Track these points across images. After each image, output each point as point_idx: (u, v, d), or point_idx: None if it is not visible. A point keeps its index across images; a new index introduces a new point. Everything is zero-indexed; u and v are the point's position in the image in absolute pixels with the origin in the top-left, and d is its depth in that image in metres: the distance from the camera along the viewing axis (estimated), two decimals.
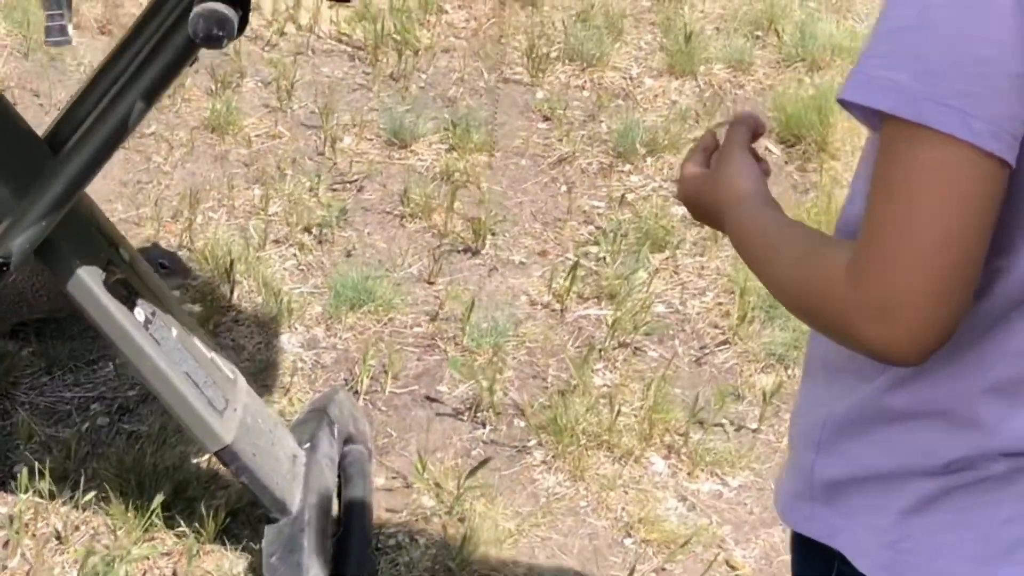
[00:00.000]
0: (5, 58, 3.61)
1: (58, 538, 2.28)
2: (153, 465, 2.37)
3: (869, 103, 1.03)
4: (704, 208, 1.32)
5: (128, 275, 2.06)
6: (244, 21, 1.68)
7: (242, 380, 2.24)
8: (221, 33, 1.64)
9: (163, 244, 2.98)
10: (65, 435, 2.49)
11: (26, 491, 2.29)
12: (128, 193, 3.15)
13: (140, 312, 2.05)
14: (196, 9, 1.63)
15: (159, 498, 2.27)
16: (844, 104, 1.06)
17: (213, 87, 3.57)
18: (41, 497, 2.30)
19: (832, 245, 1.12)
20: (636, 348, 2.88)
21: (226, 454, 2.14)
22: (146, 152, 3.31)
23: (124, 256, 2.08)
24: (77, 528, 2.30)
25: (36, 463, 2.35)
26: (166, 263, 2.67)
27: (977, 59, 0.99)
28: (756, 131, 1.33)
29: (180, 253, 2.95)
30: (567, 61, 3.96)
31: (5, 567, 2.22)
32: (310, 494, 2.24)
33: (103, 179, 3.19)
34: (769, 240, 1.19)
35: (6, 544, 2.26)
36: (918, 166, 1.01)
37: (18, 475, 2.30)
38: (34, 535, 2.29)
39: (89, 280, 1.98)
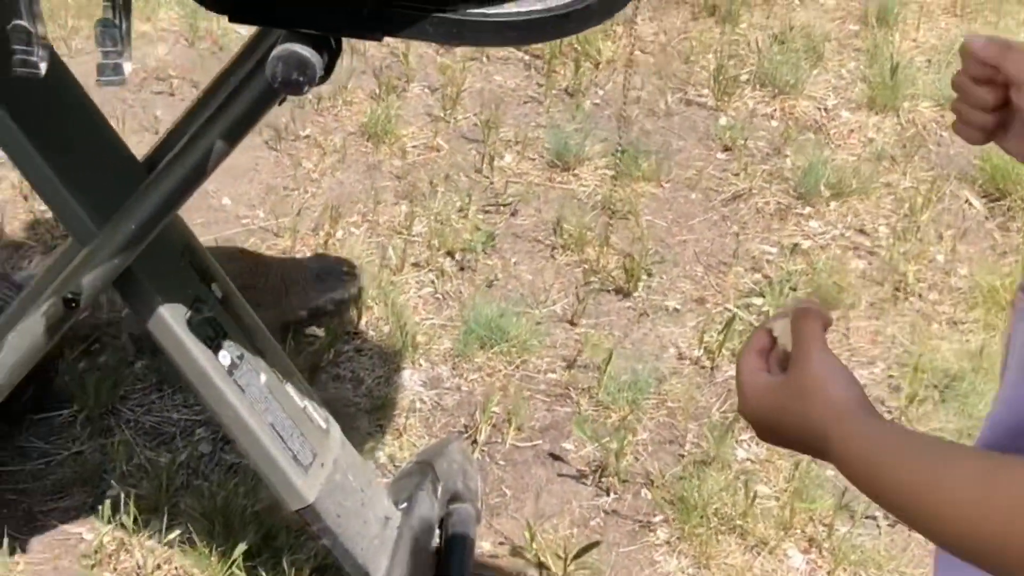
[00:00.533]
0: (171, 45, 3.53)
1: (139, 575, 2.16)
2: (243, 508, 2.22)
3: None
4: (785, 428, 1.02)
5: (217, 314, 1.90)
6: (331, 67, 1.50)
7: (337, 432, 2.07)
8: (302, 79, 1.46)
9: (298, 257, 2.85)
10: (164, 460, 2.37)
11: (108, 522, 2.18)
12: (272, 200, 3.02)
13: (226, 355, 1.89)
14: (275, 51, 1.45)
15: (241, 547, 2.13)
16: None
17: (376, 90, 3.42)
18: (125, 529, 2.19)
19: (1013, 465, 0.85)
20: None
21: (308, 513, 1.97)
22: (297, 156, 3.18)
23: (216, 293, 1.92)
24: (159, 567, 2.18)
25: (131, 490, 2.24)
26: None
27: None
28: (825, 324, 1.05)
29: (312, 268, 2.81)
30: (758, 86, 3.67)
31: None
32: (396, 565, 2.06)
33: (249, 183, 3.08)
34: (915, 467, 0.92)
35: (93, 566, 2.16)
36: None
37: (107, 502, 2.19)
38: (115, 568, 2.18)
39: (171, 319, 1.83)
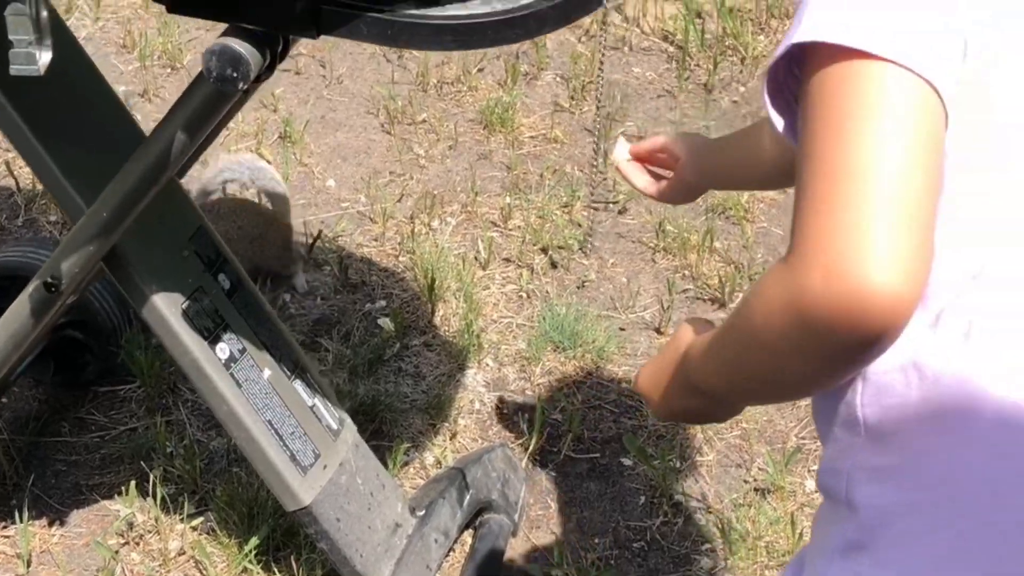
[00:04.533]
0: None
1: (163, 559, 2.16)
2: (266, 500, 2.19)
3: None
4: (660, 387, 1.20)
5: (219, 305, 1.87)
6: (272, 64, 1.44)
7: (350, 433, 2.02)
8: (235, 74, 1.40)
9: (388, 246, 2.81)
10: (214, 444, 2.37)
11: (146, 500, 2.19)
12: (377, 185, 2.98)
13: (224, 348, 1.86)
14: (210, 45, 1.40)
15: (254, 541, 2.11)
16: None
17: (503, 76, 3.34)
18: (162, 508, 2.19)
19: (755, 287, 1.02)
20: None
21: (304, 515, 1.93)
22: (409, 141, 3.14)
23: (222, 283, 1.89)
24: (183, 552, 2.18)
25: (173, 470, 2.25)
26: None
27: None
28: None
29: (401, 260, 2.77)
30: None
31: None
32: (402, 571, 2.00)
33: (357, 166, 3.06)
34: (716, 345, 1.10)
35: (116, 553, 2.16)
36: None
37: (151, 478, 2.20)
38: (144, 550, 2.19)
39: (164, 308, 1.80)
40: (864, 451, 1.03)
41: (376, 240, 2.83)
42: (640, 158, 1.91)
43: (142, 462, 2.31)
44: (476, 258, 2.79)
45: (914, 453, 1.01)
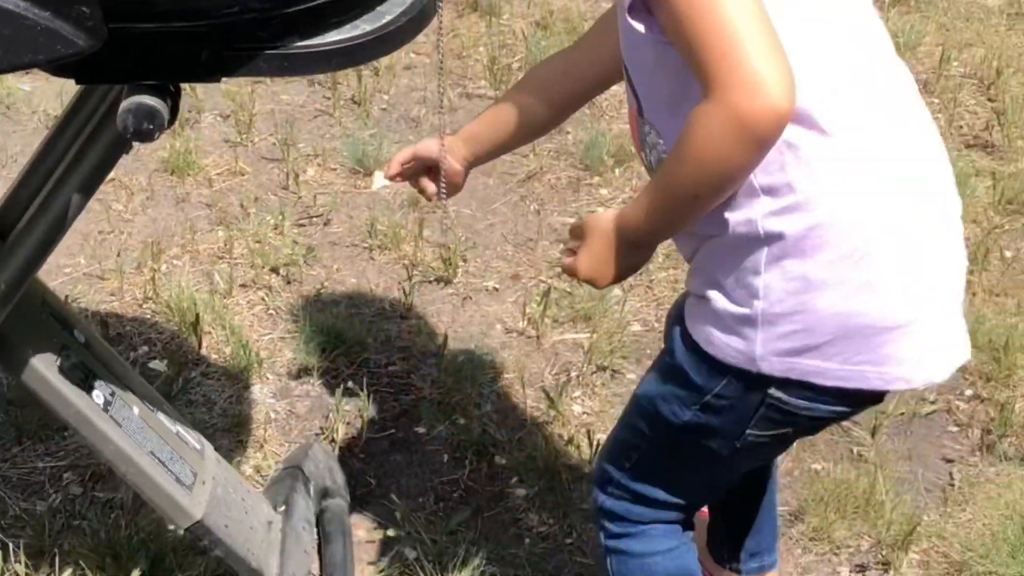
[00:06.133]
0: None
1: None
2: (128, 537, 2.33)
3: None
4: (607, 261, 1.63)
5: (84, 357, 2.01)
6: (175, 110, 1.63)
7: (210, 450, 2.20)
8: (151, 127, 1.59)
9: (128, 297, 2.94)
10: (40, 509, 2.45)
11: (2, 573, 2.26)
12: (90, 246, 3.10)
13: (99, 394, 2.00)
14: (123, 104, 1.58)
15: (136, 574, 2.24)
16: None
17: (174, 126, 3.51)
18: None
19: (685, 127, 1.43)
20: (614, 371, 2.84)
21: (198, 529, 2.09)
22: (106, 200, 3.26)
23: (79, 338, 2.03)
24: None
25: (9, 543, 2.31)
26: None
27: None
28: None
29: (145, 306, 2.91)
30: None
31: None
32: (288, 560, 2.20)
33: (68, 233, 3.14)
34: (659, 193, 1.53)
35: None
36: None
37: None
38: None
39: (43, 368, 1.93)
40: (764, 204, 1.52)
41: (114, 295, 2.96)
42: (398, 175, 2.10)
43: None
44: (215, 290, 2.98)
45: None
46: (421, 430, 2.68)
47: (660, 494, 1.84)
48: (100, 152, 1.68)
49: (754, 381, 1.60)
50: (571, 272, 1.68)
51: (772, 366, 1.57)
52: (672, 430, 1.72)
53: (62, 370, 1.96)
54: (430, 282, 3.07)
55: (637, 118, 1.66)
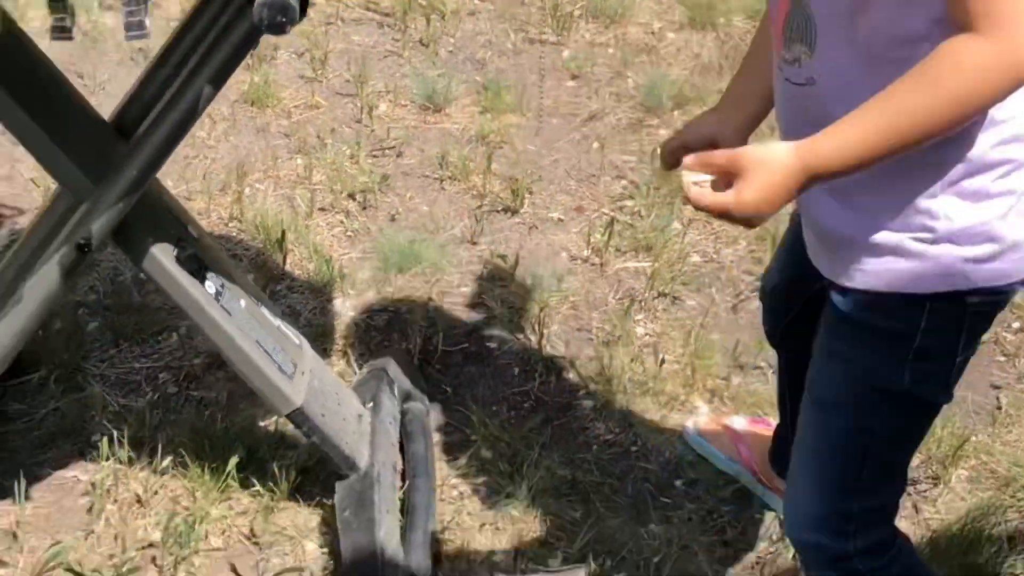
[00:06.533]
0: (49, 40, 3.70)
1: (139, 502, 2.40)
2: (224, 430, 2.49)
3: None
4: (774, 194, 1.47)
5: (197, 250, 2.16)
6: (305, 5, 1.78)
7: (307, 345, 2.36)
8: (284, 19, 1.74)
9: (215, 217, 3.10)
10: (138, 404, 2.60)
11: (107, 459, 2.42)
12: (177, 169, 3.25)
13: (211, 285, 2.16)
14: None
15: (234, 460, 2.40)
16: None
17: (249, 61, 3.67)
18: (120, 463, 2.42)
19: (938, 59, 1.39)
20: (675, 298, 2.98)
21: (297, 416, 2.25)
22: None
23: (192, 233, 2.18)
24: (156, 492, 2.42)
25: (114, 432, 2.47)
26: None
27: None
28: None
29: (231, 225, 3.07)
30: (591, 19, 4.04)
31: (92, 531, 2.34)
32: (378, 451, 2.36)
33: None
34: (881, 123, 1.43)
35: (90, 509, 2.38)
36: None
37: (98, 444, 2.43)
38: (116, 500, 2.41)
39: (163, 258, 2.08)
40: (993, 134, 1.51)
41: (201, 214, 3.11)
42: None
43: (78, 435, 2.52)
44: (297, 212, 3.13)
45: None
46: (492, 345, 2.83)
47: (892, 492, 1.82)
48: (234, 43, 1.82)
49: (952, 300, 1.58)
50: (719, 208, 1.48)
51: (968, 279, 1.57)
52: (900, 402, 1.67)
53: (179, 260, 2.11)
54: (498, 211, 3.22)
55: (784, 27, 1.57)
